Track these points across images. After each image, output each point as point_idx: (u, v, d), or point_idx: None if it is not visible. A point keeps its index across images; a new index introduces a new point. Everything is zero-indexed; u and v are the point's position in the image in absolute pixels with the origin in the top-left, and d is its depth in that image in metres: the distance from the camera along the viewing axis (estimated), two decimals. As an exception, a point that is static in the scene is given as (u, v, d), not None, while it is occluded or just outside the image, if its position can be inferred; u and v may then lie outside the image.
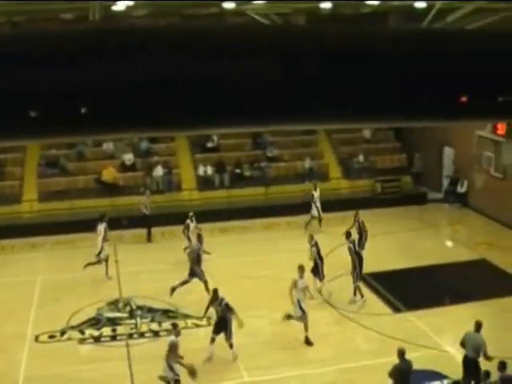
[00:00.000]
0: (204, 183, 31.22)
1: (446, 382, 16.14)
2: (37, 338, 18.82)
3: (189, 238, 24.18)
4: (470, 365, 15.03)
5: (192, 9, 23.95)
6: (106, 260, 22.71)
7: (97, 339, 18.84)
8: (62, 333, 19.10)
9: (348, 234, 20.79)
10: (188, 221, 24.61)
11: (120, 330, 19.34)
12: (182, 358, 15.20)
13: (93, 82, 6.40)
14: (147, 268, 23.84)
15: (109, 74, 6.43)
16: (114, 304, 20.93)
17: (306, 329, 18.34)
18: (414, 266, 23.40)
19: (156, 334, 19.06)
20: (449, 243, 26.45)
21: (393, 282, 20.66)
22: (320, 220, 27.84)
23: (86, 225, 24.71)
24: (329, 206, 27.70)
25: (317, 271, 21.05)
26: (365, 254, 21.65)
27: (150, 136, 29.33)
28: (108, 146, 31.49)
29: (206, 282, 20.59)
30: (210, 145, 32.65)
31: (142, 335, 19.04)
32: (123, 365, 17.27)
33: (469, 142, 25.29)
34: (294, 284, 18.31)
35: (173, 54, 6.48)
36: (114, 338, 18.94)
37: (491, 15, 20.49)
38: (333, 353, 17.92)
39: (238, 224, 28.76)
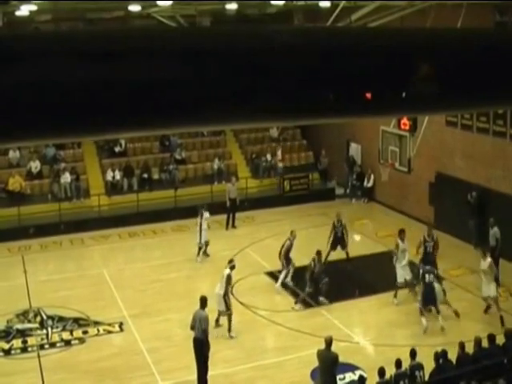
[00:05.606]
0: (112, 188, 30.95)
1: (358, 372, 16.45)
2: None
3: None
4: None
5: (96, 13, 23.75)
6: None
7: (7, 352, 18.39)
8: (-29, 348, 18.62)
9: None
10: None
11: (31, 341, 18.96)
12: None
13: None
14: (56, 277, 23.48)
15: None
16: (23, 315, 20.47)
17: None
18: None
19: (67, 343, 18.79)
20: (356, 237, 26.85)
21: (302, 278, 20.90)
22: None
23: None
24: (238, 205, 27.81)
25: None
26: (275, 251, 22.03)
27: (56, 143, 28.93)
28: (14, 154, 30.84)
29: None
30: (117, 149, 32.36)
31: (53, 345, 18.70)
32: (35, 376, 16.93)
33: (374, 137, 25.83)
34: None
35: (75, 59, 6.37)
36: (24, 349, 18.54)
37: (392, 13, 21.12)
38: (245, 351, 17.99)
39: (147, 228, 28.60)
